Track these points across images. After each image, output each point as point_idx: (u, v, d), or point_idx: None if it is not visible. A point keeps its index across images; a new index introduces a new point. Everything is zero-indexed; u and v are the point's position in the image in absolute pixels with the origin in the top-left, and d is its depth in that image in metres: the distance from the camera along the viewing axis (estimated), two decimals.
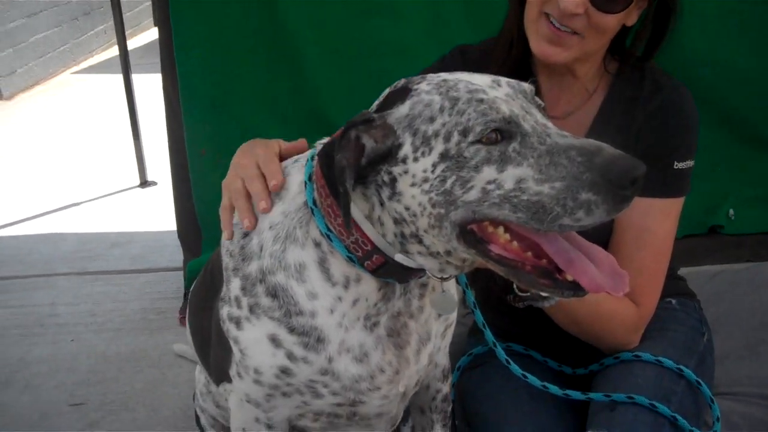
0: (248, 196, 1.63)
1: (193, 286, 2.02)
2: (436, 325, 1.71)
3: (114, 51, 5.09)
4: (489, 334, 1.90)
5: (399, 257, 1.47)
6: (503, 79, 1.42)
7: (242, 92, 3.40)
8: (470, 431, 2.26)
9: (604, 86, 2.12)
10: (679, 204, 2.09)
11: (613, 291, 1.35)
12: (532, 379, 1.95)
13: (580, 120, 2.12)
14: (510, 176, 1.30)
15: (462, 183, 1.32)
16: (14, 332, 3.42)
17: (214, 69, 3.34)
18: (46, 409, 2.86)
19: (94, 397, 2.92)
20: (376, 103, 1.50)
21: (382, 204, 1.43)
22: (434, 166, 1.34)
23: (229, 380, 1.71)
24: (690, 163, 2.05)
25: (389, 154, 1.39)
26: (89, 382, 3.02)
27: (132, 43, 9.53)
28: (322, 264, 1.54)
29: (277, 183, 1.59)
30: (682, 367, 2.00)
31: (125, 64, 4.97)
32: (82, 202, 5.01)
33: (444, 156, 1.34)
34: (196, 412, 2.26)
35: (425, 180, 1.36)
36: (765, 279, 3.06)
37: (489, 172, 1.31)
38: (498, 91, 1.38)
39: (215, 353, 1.75)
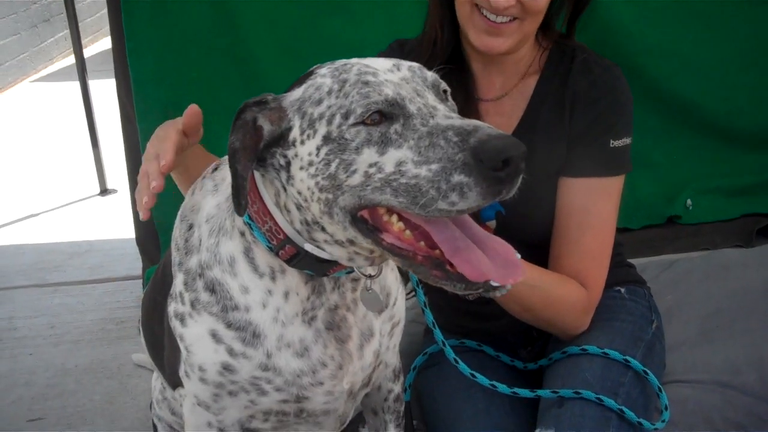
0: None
1: (146, 288, 2.01)
2: (378, 322, 1.70)
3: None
4: (438, 333, 1.90)
5: (308, 247, 1.46)
6: (405, 64, 1.42)
7: (196, 96, 3.34)
8: (427, 430, 2.26)
9: (537, 67, 2.13)
10: (620, 183, 2.09)
11: (500, 280, 1.30)
12: (481, 379, 1.95)
13: (515, 101, 2.13)
14: (390, 159, 1.28)
15: (345, 166, 1.31)
16: None
17: (167, 73, 3.31)
18: (3, 425, 2.82)
19: (52, 411, 2.89)
20: None
21: (285, 190, 1.43)
22: (318, 149, 1.34)
23: (182, 384, 1.70)
24: (626, 140, 2.06)
25: (282, 137, 1.40)
26: (48, 396, 2.98)
27: (93, 49, 9.47)
28: (248, 254, 1.53)
29: (165, 163, 1.61)
30: (628, 358, 2.01)
31: (82, 72, 4.93)
32: (40, 213, 4.95)
33: (327, 138, 1.33)
34: (153, 421, 2.24)
35: (311, 164, 1.35)
36: (719, 266, 3.09)
37: (370, 155, 1.29)
38: (394, 75, 1.37)
39: (168, 354, 1.74)
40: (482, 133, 1.21)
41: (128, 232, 3.90)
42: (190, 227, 1.62)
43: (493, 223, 2.10)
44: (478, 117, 2.11)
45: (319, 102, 1.36)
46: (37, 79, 8.82)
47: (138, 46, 3.24)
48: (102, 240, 4.42)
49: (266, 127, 1.40)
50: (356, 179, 1.30)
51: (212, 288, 1.55)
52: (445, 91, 1.44)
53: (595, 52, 2.11)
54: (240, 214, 1.42)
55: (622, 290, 2.26)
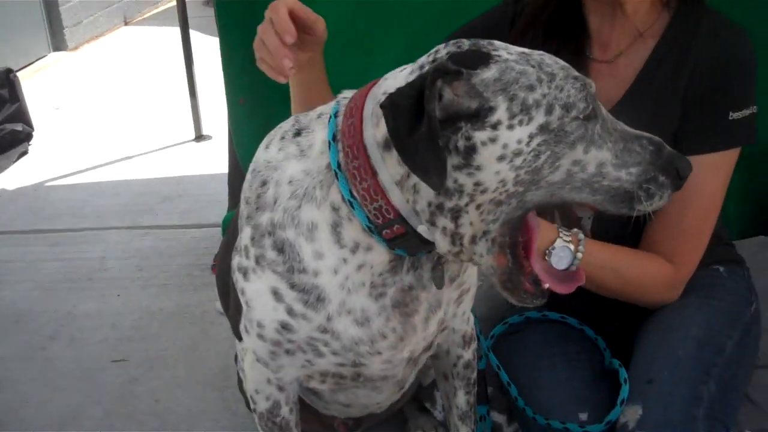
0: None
1: (224, 238, 2.00)
2: (447, 292, 1.64)
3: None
4: None
5: (422, 228, 1.40)
6: (536, 53, 1.38)
7: None
8: (504, 398, 2.21)
9: (659, 28, 1.98)
10: (733, 157, 1.96)
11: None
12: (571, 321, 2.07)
13: (630, 62, 2.00)
14: (593, 159, 1.32)
15: (553, 161, 1.29)
16: (64, 286, 3.48)
17: (252, 20, 3.27)
18: (89, 364, 2.91)
19: (136, 353, 2.96)
20: (427, 59, 1.38)
21: None
22: (531, 137, 1.27)
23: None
24: (747, 111, 1.91)
25: (473, 116, 1.29)
26: (132, 338, 3.06)
27: None
28: (335, 228, 1.47)
29: (290, 37, 1.74)
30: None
31: (183, 19, 4.94)
32: (135, 155, 5.03)
33: (543, 128, 1.28)
34: (238, 374, 2.21)
35: (518, 153, 1.27)
36: None
37: (578, 152, 1.30)
38: None
39: (232, 307, 1.72)
40: (668, 149, 1.40)
41: (219, 179, 3.92)
42: (264, 183, 1.56)
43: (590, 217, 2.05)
44: (588, 77, 2.00)
45: (531, 88, 1.29)
46: (140, 22, 8.97)
47: None
48: (194, 185, 4.48)
49: (447, 96, 1.29)
50: (558, 176, 1.30)
51: (281, 248, 1.51)
52: None
53: (723, 15, 1.95)
54: (437, 190, 1.33)
55: (721, 269, 2.13)
